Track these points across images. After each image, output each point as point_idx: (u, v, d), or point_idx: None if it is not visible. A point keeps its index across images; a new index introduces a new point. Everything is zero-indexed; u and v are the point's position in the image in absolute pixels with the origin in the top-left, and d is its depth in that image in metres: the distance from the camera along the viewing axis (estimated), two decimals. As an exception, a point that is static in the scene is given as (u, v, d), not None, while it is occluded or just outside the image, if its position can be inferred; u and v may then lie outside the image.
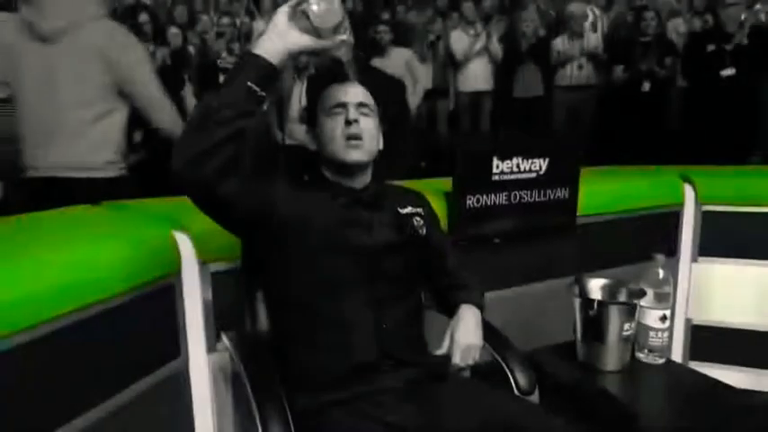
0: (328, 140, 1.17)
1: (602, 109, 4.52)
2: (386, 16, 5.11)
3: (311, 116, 1.23)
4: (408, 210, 1.25)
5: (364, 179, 1.22)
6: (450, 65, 4.95)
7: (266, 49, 0.97)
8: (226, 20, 5.02)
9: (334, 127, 1.16)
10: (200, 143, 0.93)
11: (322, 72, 1.54)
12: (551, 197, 1.76)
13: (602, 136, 4.28)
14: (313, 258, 1.12)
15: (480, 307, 1.25)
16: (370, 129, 1.18)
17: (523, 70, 4.68)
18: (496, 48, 4.76)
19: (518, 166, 1.68)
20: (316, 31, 0.96)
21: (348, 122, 1.15)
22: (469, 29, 4.81)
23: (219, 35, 4.69)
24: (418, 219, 1.25)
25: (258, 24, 5.22)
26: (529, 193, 1.72)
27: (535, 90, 4.68)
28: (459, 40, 4.80)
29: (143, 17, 3.77)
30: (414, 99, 4.29)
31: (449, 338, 1.19)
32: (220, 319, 1.36)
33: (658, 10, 4.19)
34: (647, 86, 4.01)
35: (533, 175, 1.72)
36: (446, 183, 1.66)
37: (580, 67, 4.48)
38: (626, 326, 1.37)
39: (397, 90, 2.53)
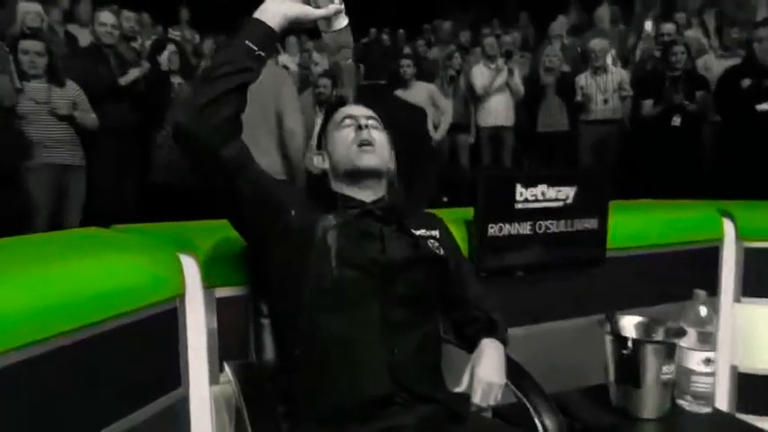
0: (340, 150, 1.17)
1: (630, 144, 4.44)
2: (407, 50, 5.20)
3: (321, 137, 1.24)
4: (422, 232, 1.20)
5: (377, 192, 1.18)
6: (470, 100, 4.96)
7: (266, 13, 1.02)
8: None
9: (346, 136, 1.18)
10: (201, 96, 0.98)
11: (335, 101, 1.56)
12: (579, 228, 1.67)
13: (629, 171, 4.19)
14: (320, 275, 1.06)
15: (504, 342, 1.16)
16: (381, 139, 1.19)
17: (547, 105, 4.65)
18: (518, 84, 4.77)
19: (543, 193, 1.61)
20: (315, 3, 1.05)
21: (359, 128, 1.16)
22: (490, 64, 4.83)
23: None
24: (432, 241, 1.19)
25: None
26: (555, 222, 1.64)
27: (559, 125, 4.63)
28: (480, 75, 4.82)
29: (169, 52, 3.85)
30: (439, 131, 4.33)
31: (469, 375, 1.11)
32: (224, 348, 1.29)
33: (687, 44, 4.14)
34: (677, 121, 3.92)
35: (560, 203, 1.64)
36: (467, 212, 1.59)
37: (605, 101, 4.43)
38: (665, 368, 1.27)
39: (418, 117, 2.51)
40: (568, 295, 1.73)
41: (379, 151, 1.17)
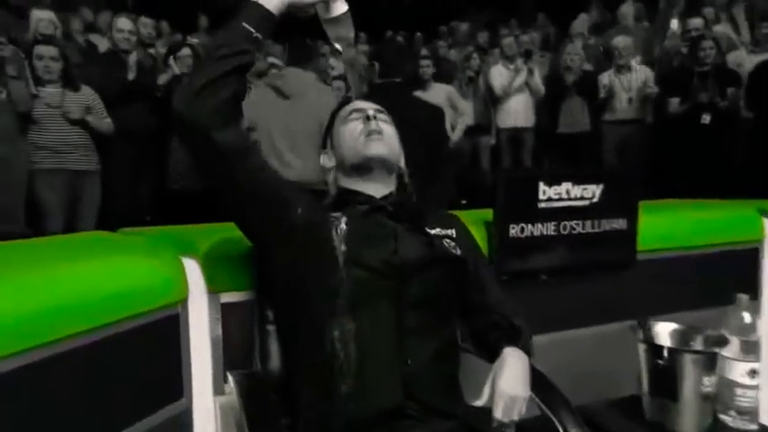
0: (347, 142, 1.12)
1: (655, 143, 4.29)
2: (425, 52, 5.13)
3: (327, 136, 1.19)
4: (437, 231, 1.12)
5: (386, 186, 1.12)
6: (490, 101, 4.87)
7: None
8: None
9: (353, 128, 1.13)
10: (198, 79, 0.96)
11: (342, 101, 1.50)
12: (607, 228, 1.57)
13: (654, 171, 4.05)
14: (328, 277, 1.00)
15: (528, 352, 1.07)
16: (390, 132, 1.14)
17: (568, 105, 4.52)
18: (538, 83, 4.66)
19: (568, 192, 1.52)
20: None
21: (367, 119, 1.12)
22: (509, 64, 4.74)
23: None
24: (448, 241, 1.12)
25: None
26: (581, 223, 1.54)
27: (581, 125, 4.50)
28: (499, 76, 4.74)
29: (183, 56, 3.83)
30: (456, 132, 4.26)
31: (490, 387, 1.02)
32: (230, 357, 1.23)
33: (717, 39, 3.98)
34: (707, 119, 3.77)
35: (586, 202, 1.54)
36: (487, 213, 1.51)
37: (630, 100, 4.30)
38: (705, 380, 1.16)
39: (436, 117, 2.43)
40: (596, 300, 1.63)
41: (388, 141, 1.13)
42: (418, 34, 6.73)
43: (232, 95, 0.97)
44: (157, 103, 3.46)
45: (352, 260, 1.00)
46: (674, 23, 4.92)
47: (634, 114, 4.32)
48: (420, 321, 1.02)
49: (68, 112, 2.95)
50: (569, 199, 1.51)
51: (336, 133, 1.15)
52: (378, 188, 1.12)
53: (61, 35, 3.82)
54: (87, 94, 3.08)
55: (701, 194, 2.40)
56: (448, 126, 3.58)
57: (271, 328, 1.15)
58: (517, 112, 4.76)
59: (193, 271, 1.21)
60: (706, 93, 3.77)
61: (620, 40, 4.38)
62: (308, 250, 1.02)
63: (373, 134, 1.10)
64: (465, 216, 1.44)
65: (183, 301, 1.18)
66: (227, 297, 1.23)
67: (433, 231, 1.11)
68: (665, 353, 1.17)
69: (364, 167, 1.10)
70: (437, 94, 4.17)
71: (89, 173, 3.11)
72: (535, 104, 4.77)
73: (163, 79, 3.58)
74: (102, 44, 4.47)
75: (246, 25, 0.97)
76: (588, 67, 4.77)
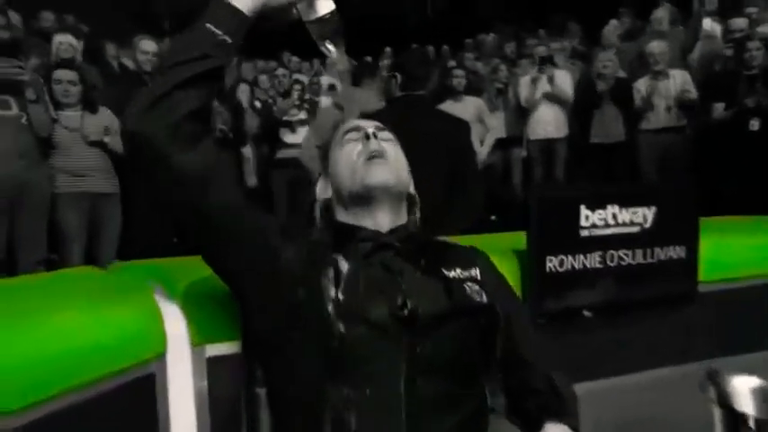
0: (344, 168, 0.91)
1: (699, 152, 3.94)
2: (453, 64, 4.95)
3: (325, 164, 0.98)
4: (456, 273, 0.89)
5: (394, 217, 0.91)
6: (519, 112, 4.63)
7: None
8: (296, 76, 5.02)
9: (350, 150, 0.92)
10: (149, 93, 0.79)
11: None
12: (662, 257, 1.31)
13: (699, 183, 3.69)
14: (319, 332, 0.79)
15: (576, 429, 0.83)
16: (396, 154, 0.93)
17: (601, 114, 4.22)
18: (562, 91, 4.36)
19: (615, 217, 1.26)
20: None
21: (367, 138, 0.91)
22: (532, 73, 4.49)
23: (286, 93, 4.66)
24: (471, 284, 0.89)
25: (324, 78, 5.18)
26: (630, 252, 1.28)
27: (615, 135, 4.19)
28: (524, 86, 4.50)
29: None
30: (483, 149, 4.07)
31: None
32: (219, 424, 1.01)
33: (765, 39, 3.63)
34: (755, 125, 3.42)
35: (636, 228, 1.28)
36: (518, 238, 1.26)
37: (668, 107, 3.97)
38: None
39: (462, 131, 2.20)
40: (651, 341, 1.36)
41: (393, 164, 0.91)
42: (445, 47, 6.57)
43: (194, 111, 0.78)
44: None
45: (350, 314, 0.79)
46: (708, 23, 4.56)
47: (674, 122, 4.00)
48: (436, 390, 0.80)
49: (87, 135, 2.86)
50: (617, 225, 1.26)
51: (332, 158, 0.94)
52: (383, 220, 0.90)
53: (84, 58, 3.75)
54: (105, 116, 2.99)
55: (751, 208, 2.09)
56: (476, 140, 3.37)
57: (261, 391, 0.93)
58: (547, 122, 4.50)
59: (173, 317, 1.00)
60: (754, 97, 3.43)
61: (656, 45, 4.07)
62: (295, 302, 0.81)
63: (375, 157, 0.89)
64: (492, 243, 1.21)
65: (160, 357, 0.97)
66: (215, 350, 1.02)
67: (451, 274, 0.89)
68: (753, 423, 0.91)
69: (365, 198, 0.89)
70: (467, 107, 4.04)
71: (110, 195, 3.01)
72: (567, 114, 4.48)
73: None
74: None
75: (210, 26, 0.79)
76: (622, 74, 4.47)
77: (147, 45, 3.50)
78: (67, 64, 3.00)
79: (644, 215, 1.28)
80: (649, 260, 1.29)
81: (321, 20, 0.83)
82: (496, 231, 1.76)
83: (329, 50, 0.84)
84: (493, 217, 4.38)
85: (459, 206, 2.12)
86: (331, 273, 0.82)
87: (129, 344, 0.92)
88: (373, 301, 0.80)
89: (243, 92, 4.47)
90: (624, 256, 1.27)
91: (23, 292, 1.09)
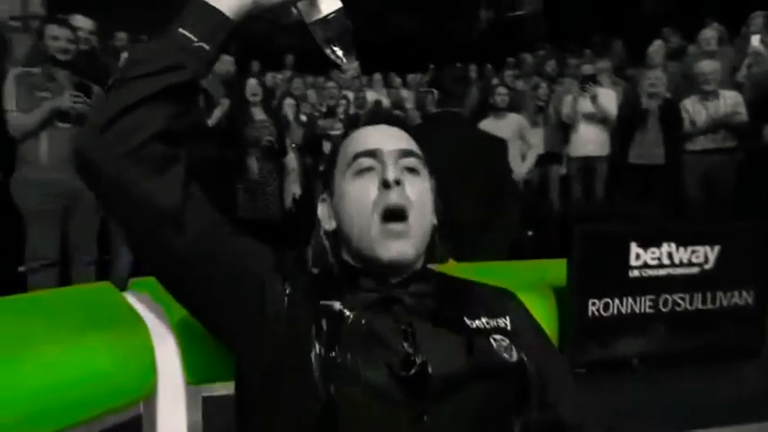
0: (354, 214, 0.71)
1: (747, 176, 3.59)
2: (496, 81, 4.78)
3: (327, 181, 0.77)
4: (482, 322, 0.71)
5: (407, 266, 0.72)
6: (560, 129, 4.39)
7: None
8: (344, 92, 4.93)
9: (363, 193, 0.70)
10: (104, 112, 0.63)
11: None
12: (725, 304, 1.09)
13: (745, 208, 3.37)
14: (305, 393, 0.63)
15: None
16: (420, 196, 0.71)
17: (643, 135, 3.91)
18: (605, 110, 4.07)
19: (670, 256, 1.05)
20: None
21: (386, 185, 0.69)
22: (575, 91, 4.25)
23: (331, 110, 4.57)
24: (499, 337, 0.70)
25: (369, 94, 5.08)
26: (688, 297, 1.07)
27: (655, 157, 3.86)
28: (567, 103, 4.26)
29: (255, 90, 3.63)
30: (524, 165, 3.88)
31: None
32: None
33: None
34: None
35: (695, 270, 1.07)
36: (556, 267, 1.06)
37: (716, 127, 3.64)
38: None
39: (498, 149, 2.03)
40: (709, 397, 1.13)
41: (417, 228, 0.71)
42: (489, 65, 6.39)
43: (161, 132, 0.63)
44: (213, 136, 3.27)
45: (343, 372, 0.63)
46: (756, 40, 4.18)
47: (721, 143, 3.65)
48: None
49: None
50: (673, 265, 1.05)
51: (339, 187, 0.74)
52: (394, 270, 0.72)
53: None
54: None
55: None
56: (517, 156, 3.18)
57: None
58: (589, 140, 4.23)
59: (166, 353, 0.86)
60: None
61: (706, 65, 3.74)
62: (281, 356, 0.66)
63: (394, 221, 0.69)
64: (524, 272, 1.02)
65: (149, 398, 0.83)
66: (211, 390, 0.88)
67: (475, 324, 0.70)
68: None
69: (376, 264, 0.71)
70: (509, 124, 3.87)
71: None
72: (610, 133, 4.20)
73: (217, 115, 3.35)
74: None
75: (184, 31, 0.65)
76: (667, 94, 4.16)
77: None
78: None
79: (705, 254, 1.07)
80: (710, 306, 1.08)
81: (325, 20, 0.68)
82: (532, 247, 1.57)
83: (336, 55, 0.68)
84: (530, 233, 4.17)
85: (494, 228, 1.96)
86: (323, 322, 0.66)
87: (113, 381, 0.78)
88: (371, 357, 0.64)
89: (289, 105, 4.39)
90: (680, 301, 1.06)
91: (7, 317, 0.98)
